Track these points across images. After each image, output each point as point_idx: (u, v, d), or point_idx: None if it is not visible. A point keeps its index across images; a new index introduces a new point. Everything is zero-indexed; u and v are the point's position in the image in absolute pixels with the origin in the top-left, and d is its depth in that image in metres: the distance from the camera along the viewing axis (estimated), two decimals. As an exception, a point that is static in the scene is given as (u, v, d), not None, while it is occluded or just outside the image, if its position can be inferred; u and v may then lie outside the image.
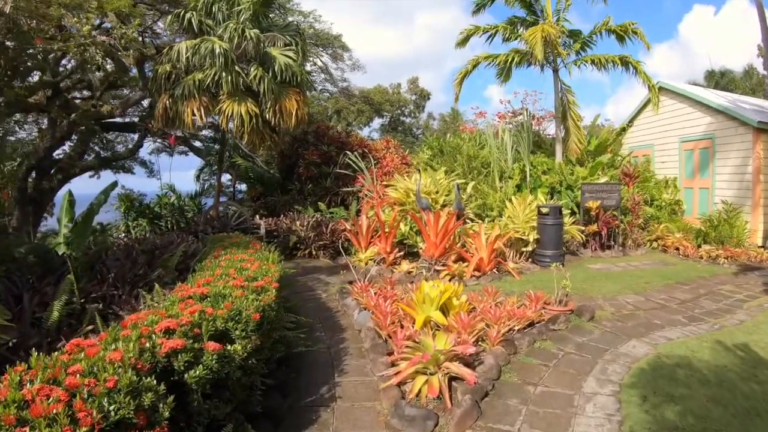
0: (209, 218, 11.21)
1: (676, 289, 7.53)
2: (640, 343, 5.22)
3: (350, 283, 7.04)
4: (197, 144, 19.60)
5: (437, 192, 10.40)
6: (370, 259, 9.12)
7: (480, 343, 4.77)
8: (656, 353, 4.91)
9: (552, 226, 9.12)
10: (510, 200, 10.33)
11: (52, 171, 14.22)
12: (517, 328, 5.15)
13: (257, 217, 11.65)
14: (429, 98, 38.23)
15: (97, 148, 18.22)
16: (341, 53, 23.91)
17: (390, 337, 4.82)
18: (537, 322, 5.49)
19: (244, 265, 4.46)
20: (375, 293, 6.12)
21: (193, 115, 10.10)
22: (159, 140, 16.11)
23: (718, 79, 32.14)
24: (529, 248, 9.46)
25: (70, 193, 10.67)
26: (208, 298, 3.40)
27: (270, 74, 10.59)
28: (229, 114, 10.06)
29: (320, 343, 5.21)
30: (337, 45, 23.51)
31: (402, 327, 5.05)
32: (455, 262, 8.41)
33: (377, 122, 35.62)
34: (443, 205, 10.23)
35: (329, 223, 10.88)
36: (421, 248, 9.57)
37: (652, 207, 12.36)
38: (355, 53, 29.41)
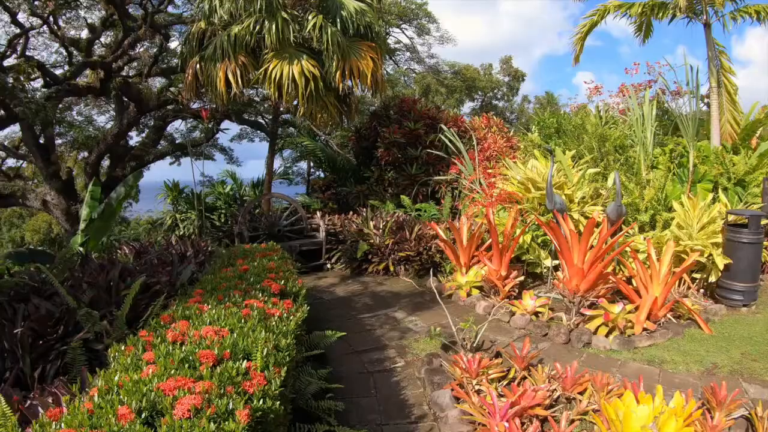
0: (256, 215, 8.64)
1: None
2: None
3: (446, 348, 3.96)
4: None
5: (567, 185, 7.16)
6: (474, 286, 6.09)
7: None
8: None
9: (750, 245, 5.60)
10: (679, 201, 6.85)
11: (126, 158, 13.77)
12: None
13: (318, 214, 8.82)
14: (523, 79, 34.04)
15: (176, 134, 17.38)
16: (427, 25, 21.01)
17: None
18: None
19: (182, 385, 1.63)
20: (500, 396, 3.08)
21: (227, 80, 7.54)
22: (190, 117, 13.90)
23: None
24: (712, 277, 6.01)
25: (94, 182, 8.48)
26: None
27: (338, 26, 7.84)
28: (277, 77, 7.35)
29: None
30: (423, 15, 20.68)
31: None
32: (609, 299, 5.18)
33: (468, 106, 32.06)
34: (576, 204, 7.01)
35: (415, 225, 7.76)
36: (546, 268, 6.41)
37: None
38: (443, 24, 25.60)
